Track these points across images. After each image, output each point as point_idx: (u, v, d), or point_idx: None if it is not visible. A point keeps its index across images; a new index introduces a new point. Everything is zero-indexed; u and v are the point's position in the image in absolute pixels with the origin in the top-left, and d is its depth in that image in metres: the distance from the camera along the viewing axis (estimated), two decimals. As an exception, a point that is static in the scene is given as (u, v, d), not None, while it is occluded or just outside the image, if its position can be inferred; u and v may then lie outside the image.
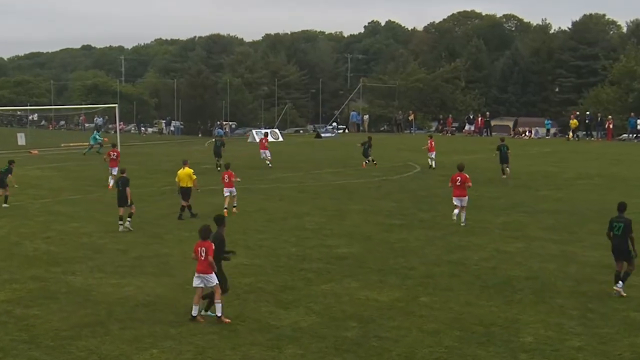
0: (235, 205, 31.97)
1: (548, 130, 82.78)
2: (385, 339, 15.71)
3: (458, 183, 28.40)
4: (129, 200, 27.87)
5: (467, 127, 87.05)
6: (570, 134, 76.35)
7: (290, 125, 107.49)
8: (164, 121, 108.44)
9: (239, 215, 30.41)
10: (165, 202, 34.24)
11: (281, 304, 18.04)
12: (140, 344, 15.50)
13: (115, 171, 40.18)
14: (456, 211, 28.26)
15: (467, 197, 28.48)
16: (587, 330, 16.24)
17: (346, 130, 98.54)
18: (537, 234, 26.68)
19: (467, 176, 28.63)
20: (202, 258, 16.90)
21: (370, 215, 30.74)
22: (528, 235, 26.39)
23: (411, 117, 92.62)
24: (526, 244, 24.96)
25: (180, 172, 30.81)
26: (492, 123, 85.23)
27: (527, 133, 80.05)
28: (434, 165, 48.21)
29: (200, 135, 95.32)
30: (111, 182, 39.67)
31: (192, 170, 30.93)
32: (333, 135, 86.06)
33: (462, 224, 28.10)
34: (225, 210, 30.32)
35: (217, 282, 16.92)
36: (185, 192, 30.56)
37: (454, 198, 28.50)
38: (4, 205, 33.60)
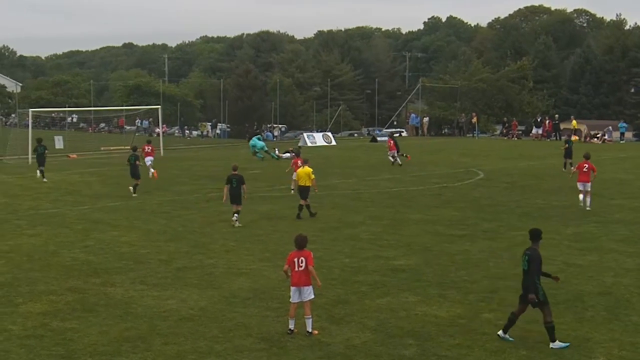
0: (294, 188, 37.32)
1: (622, 134, 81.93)
2: (446, 358, 15.62)
3: (585, 170, 34.08)
4: (246, 198, 30.85)
5: (534, 130, 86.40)
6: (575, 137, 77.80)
7: (344, 128, 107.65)
8: (210, 124, 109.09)
9: (289, 225, 30.46)
10: (210, 210, 34.43)
11: (333, 319, 18.02)
12: (184, 360, 15.59)
13: (149, 161, 47.53)
14: (581, 196, 33.92)
15: (590, 183, 33.98)
16: (665, 351, 16.02)
17: (403, 134, 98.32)
18: (610, 245, 26.37)
19: (594, 166, 34.53)
20: (301, 269, 17.08)
21: (429, 224, 30.62)
22: (600, 248, 26.09)
23: (474, 120, 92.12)
24: (598, 256, 24.68)
25: (300, 170, 33.05)
26: (562, 126, 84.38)
27: (597, 137, 79.21)
28: (396, 163, 53.38)
29: (248, 138, 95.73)
30: (151, 171, 46.75)
31: (311, 170, 32.71)
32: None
33: (587, 209, 33.26)
34: (292, 190, 37.79)
35: (313, 296, 17.21)
36: (304, 191, 32.42)
37: (578, 183, 34.31)
38: (134, 195, 38.72)
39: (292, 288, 17.18)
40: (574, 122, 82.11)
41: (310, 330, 16.87)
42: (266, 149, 62.38)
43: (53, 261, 24.46)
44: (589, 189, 34.01)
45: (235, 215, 30.35)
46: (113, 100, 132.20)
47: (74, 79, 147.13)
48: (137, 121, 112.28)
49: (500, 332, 16.62)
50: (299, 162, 37.16)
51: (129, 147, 55.25)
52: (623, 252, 25.26)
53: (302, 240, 17.32)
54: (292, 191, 38.03)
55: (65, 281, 21.76)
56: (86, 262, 24.31)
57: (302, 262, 17.03)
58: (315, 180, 32.75)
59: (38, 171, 47.08)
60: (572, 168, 44.56)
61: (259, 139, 64.32)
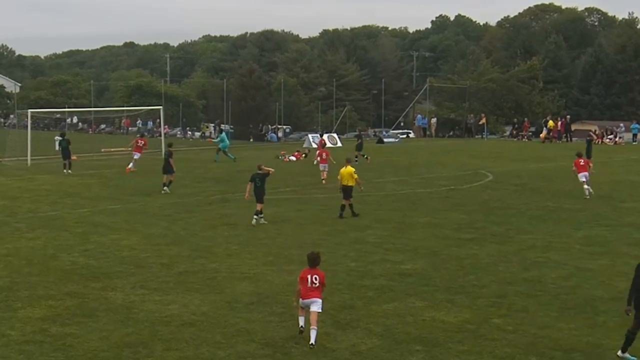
0: (324, 178, 44.85)
1: (635, 135, 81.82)
2: (453, 365, 15.62)
3: (582, 163, 38.78)
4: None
5: (544, 131, 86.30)
6: (544, 134, 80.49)
7: (350, 130, 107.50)
8: (213, 125, 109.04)
9: (293, 228, 30.50)
10: (213, 213, 34.44)
11: (338, 325, 18.00)
12: (185, 366, 15.58)
13: (137, 156, 52.59)
14: (586, 186, 38.13)
15: (588, 173, 38.67)
16: (679, 358, 15.98)
17: (410, 135, 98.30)
18: (623, 249, 26.33)
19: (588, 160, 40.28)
20: (315, 286, 16.97)
21: (437, 228, 30.60)
22: (612, 251, 26.06)
23: (483, 121, 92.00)
24: (610, 260, 24.65)
25: (343, 170, 33.64)
26: (573, 127, 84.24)
27: (606, 139, 79.11)
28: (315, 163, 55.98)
29: (251, 140, 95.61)
30: (131, 165, 51.49)
31: (353, 169, 33.52)
32: (396, 140, 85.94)
33: (588, 196, 37.73)
34: (323, 180, 44.81)
35: (321, 310, 16.95)
36: (347, 191, 33.20)
37: (579, 174, 38.63)
38: (165, 188, 40.98)
39: (302, 301, 17.06)
40: (551, 122, 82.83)
41: (313, 343, 16.43)
42: (226, 148, 62.48)
43: (52, 265, 24.46)
44: (588, 179, 38.55)
45: (256, 217, 31.27)
46: (114, 100, 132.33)
47: (74, 79, 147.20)
48: (138, 122, 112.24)
49: (619, 352, 16.03)
50: (324, 154, 47.11)
51: (130, 149, 55.34)
52: (635, 256, 25.12)
53: (316, 259, 17.21)
54: (323, 181, 44.74)
55: (64, 285, 21.75)
56: (86, 266, 24.32)
57: (315, 280, 17.00)
58: (359, 179, 33.68)
59: (65, 168, 51.03)
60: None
61: (227, 135, 65.20)
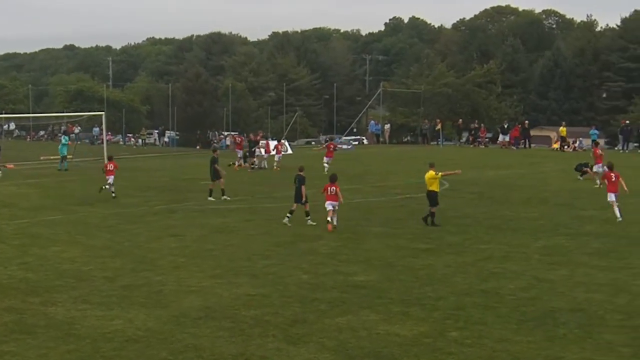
0: (276, 166, 58.05)
1: (594, 141, 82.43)
2: (409, 380, 15.66)
3: (613, 179, 33.87)
4: (304, 198, 33.58)
5: (500, 137, 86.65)
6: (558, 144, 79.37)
7: (301, 136, 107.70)
8: (157, 131, 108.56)
9: (242, 239, 30.44)
10: (158, 224, 34.29)
11: (290, 340, 17.98)
12: (130, 384, 15.50)
13: (240, 154, 61.58)
14: (616, 209, 33.42)
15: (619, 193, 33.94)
16: (640, 370, 16.16)
17: (364, 142, 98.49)
18: (582, 259, 26.55)
19: (619, 174, 34.47)
20: (332, 193, 31.49)
21: (391, 238, 30.68)
22: (571, 261, 26.27)
23: (438, 127, 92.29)
24: (569, 271, 24.84)
25: (425, 175, 33.81)
26: (531, 133, 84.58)
27: (567, 146, 79.84)
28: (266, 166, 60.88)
29: (198, 147, 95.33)
30: (236, 164, 59.83)
31: (434, 173, 33.53)
32: (349, 147, 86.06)
33: (619, 220, 33.07)
34: (276, 167, 57.41)
35: (338, 207, 31.49)
36: (430, 197, 33.49)
37: (609, 194, 34.03)
38: (224, 197, 41.25)
39: (327, 202, 31.52)
40: (562, 128, 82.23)
41: (335, 225, 31.28)
42: (65, 153, 61.05)
43: (-12, 279, 24.22)
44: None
45: (289, 216, 33.48)
46: (53, 106, 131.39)
47: (11, 84, 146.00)
48: (76, 128, 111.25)
49: None
50: (278, 147, 60.30)
51: (70, 156, 54.73)
52: (595, 266, 25.45)
53: (334, 177, 32.43)
54: (276, 167, 57.54)
55: (1, 301, 21.53)
56: (24, 279, 24.10)
57: (333, 190, 31.50)
58: (445, 172, 35.31)
59: None
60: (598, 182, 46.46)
61: (67, 140, 63.65)
